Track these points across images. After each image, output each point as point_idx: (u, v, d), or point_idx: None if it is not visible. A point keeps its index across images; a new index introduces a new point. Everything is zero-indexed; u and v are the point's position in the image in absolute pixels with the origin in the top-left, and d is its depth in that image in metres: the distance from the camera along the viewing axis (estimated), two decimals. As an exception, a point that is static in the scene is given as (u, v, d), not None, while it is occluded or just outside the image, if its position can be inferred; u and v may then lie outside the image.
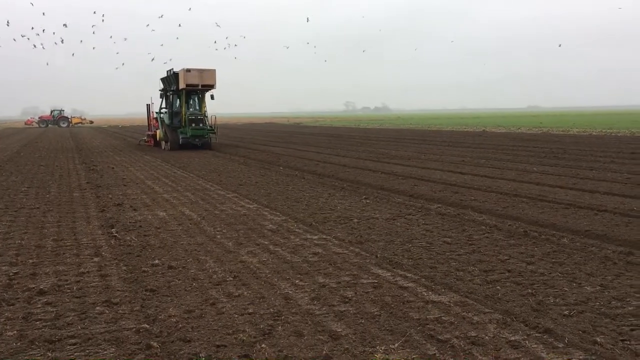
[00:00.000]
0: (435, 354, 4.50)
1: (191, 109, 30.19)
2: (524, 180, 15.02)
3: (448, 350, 4.56)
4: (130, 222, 10.13)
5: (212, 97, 30.27)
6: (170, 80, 30.16)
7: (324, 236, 8.81)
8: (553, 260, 7.23)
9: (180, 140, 29.32)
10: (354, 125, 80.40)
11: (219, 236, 8.93)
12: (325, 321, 5.23)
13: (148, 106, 34.43)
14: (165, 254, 7.85)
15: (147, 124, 35.75)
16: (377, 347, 4.63)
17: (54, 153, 28.28)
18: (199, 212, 11.04)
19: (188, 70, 28.19)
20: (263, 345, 4.68)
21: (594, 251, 7.64)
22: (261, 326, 5.12)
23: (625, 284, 6.17)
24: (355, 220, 10.09)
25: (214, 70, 29.32)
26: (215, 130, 30.66)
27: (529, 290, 6.03)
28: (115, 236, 8.95)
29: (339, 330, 5.01)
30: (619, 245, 7.95)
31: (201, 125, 29.52)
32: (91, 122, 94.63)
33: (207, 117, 30.37)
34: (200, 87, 29.15)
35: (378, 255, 7.54)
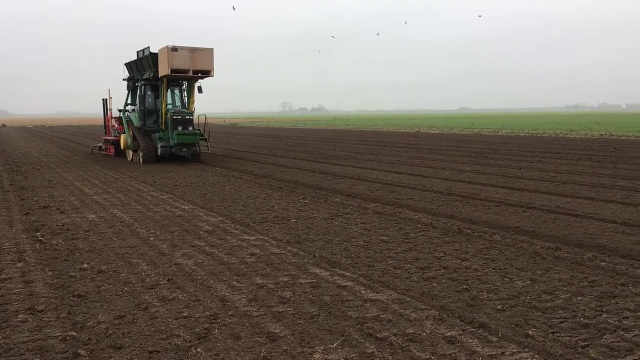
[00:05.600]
0: (374, 352, 4.48)
1: (170, 106, 22.31)
2: (457, 179, 15.40)
3: (386, 348, 4.56)
4: (57, 226, 9.66)
5: (199, 89, 22.04)
6: (143, 64, 22.04)
7: (262, 237, 8.69)
8: (486, 256, 7.41)
9: (159, 150, 21.35)
10: (291, 125, 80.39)
11: (152, 238, 8.65)
12: (263, 323, 5.13)
13: (104, 102, 26.03)
14: (95, 257, 7.52)
15: (104, 126, 27.15)
16: (316, 348, 4.57)
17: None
18: (131, 214, 10.67)
19: (174, 50, 20.06)
20: (199, 350, 4.53)
21: (524, 247, 7.88)
22: (197, 330, 4.96)
23: (553, 278, 6.39)
24: (293, 220, 10.02)
25: (211, 50, 20.99)
26: (207, 136, 22.37)
27: (464, 286, 6.14)
28: (40, 240, 8.50)
29: (277, 331, 4.92)
30: (547, 241, 8.25)
31: (190, 128, 21.46)
32: (3, 125, 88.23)
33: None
34: (191, 74, 20.78)
35: (316, 255, 7.50)
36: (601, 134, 39.90)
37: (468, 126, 61.64)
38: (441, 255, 7.48)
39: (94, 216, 10.53)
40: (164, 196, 13.05)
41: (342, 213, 10.67)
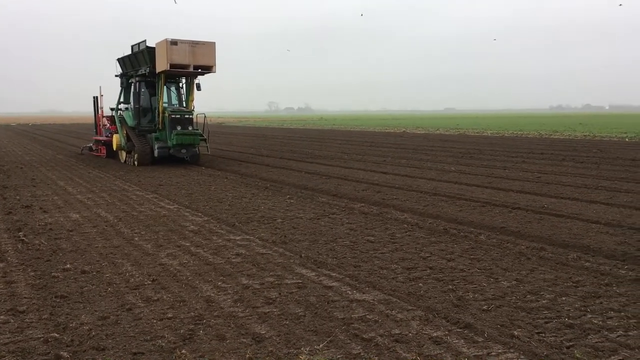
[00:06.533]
0: (360, 353, 4.47)
1: (166, 104, 20.99)
2: (442, 180, 15.45)
3: (373, 348, 4.55)
4: (39, 225, 9.53)
5: (197, 87, 20.63)
6: (139, 59, 20.79)
7: (248, 236, 8.65)
8: (472, 256, 7.43)
9: (156, 151, 20.06)
10: (277, 125, 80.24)
11: (136, 238, 8.56)
12: (249, 323, 5.09)
13: (95, 100, 24.81)
14: (78, 257, 7.43)
15: (94, 125, 25.72)
16: (302, 349, 4.55)
17: None
18: (116, 214, 10.56)
19: (174, 43, 18.75)
20: (183, 351, 4.48)
21: (509, 247, 7.92)
22: (181, 331, 4.92)
23: (539, 278, 6.42)
24: (279, 220, 9.98)
25: (213, 44, 19.65)
26: (207, 137, 20.91)
27: (450, 286, 6.15)
28: (22, 240, 8.38)
29: (263, 332, 4.89)
30: (532, 241, 8.29)
31: (190, 128, 20.13)
32: None
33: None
34: (191, 70, 19.43)
35: (302, 255, 7.47)
36: (585, 135, 40.30)
37: (454, 127, 61.95)
38: (427, 255, 7.49)
39: (77, 216, 10.41)
40: (148, 196, 12.94)
41: (328, 213, 10.65)
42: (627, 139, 34.78)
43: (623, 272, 6.64)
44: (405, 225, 9.47)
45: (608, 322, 5.08)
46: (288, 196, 12.77)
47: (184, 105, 21.20)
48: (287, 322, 5.13)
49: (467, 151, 26.26)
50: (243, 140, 38.67)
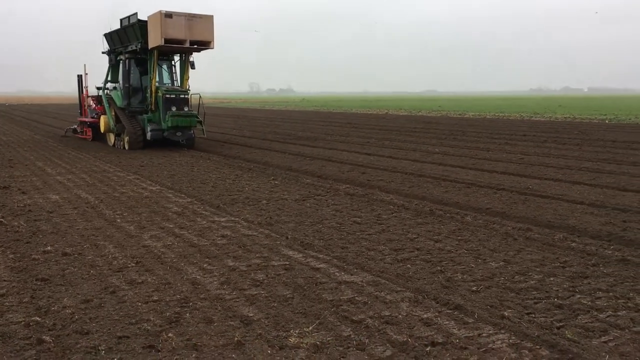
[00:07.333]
0: (350, 335, 4.40)
1: (158, 83, 19.33)
2: (427, 161, 15.42)
3: (363, 330, 4.49)
4: (18, 207, 9.30)
5: (192, 65, 19.37)
6: (128, 34, 19.17)
7: (233, 218, 8.53)
8: (459, 237, 7.40)
9: (149, 134, 18.70)
10: (259, 106, 79.66)
11: (119, 220, 8.39)
12: (236, 306, 5.00)
13: (80, 79, 23.18)
14: (59, 239, 7.25)
15: (79, 106, 24.21)
16: (291, 331, 4.47)
17: None
18: (97, 195, 10.35)
19: (169, 16, 17.09)
20: (170, 335, 4.38)
21: (496, 228, 7.91)
22: (167, 314, 4.81)
23: (526, 259, 6.41)
24: (264, 201, 9.86)
25: (211, 18, 18.12)
26: (203, 119, 19.49)
27: (438, 268, 6.11)
28: (1, 222, 8.16)
29: (251, 315, 4.80)
30: (517, 222, 8.29)
31: (186, 109, 18.66)
32: None
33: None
34: (187, 46, 17.85)
35: (289, 237, 7.38)
36: (565, 117, 40.60)
37: (435, 108, 62.03)
38: (414, 236, 7.45)
39: (57, 197, 10.18)
40: (130, 177, 12.72)
41: (313, 194, 10.56)
42: (606, 121, 35.14)
43: (609, 252, 6.66)
44: (392, 207, 9.42)
45: (597, 303, 5.08)
46: (272, 177, 12.64)
47: (178, 84, 19.76)
48: (276, 305, 5.04)
49: (450, 132, 26.28)
50: (224, 121, 38.28)
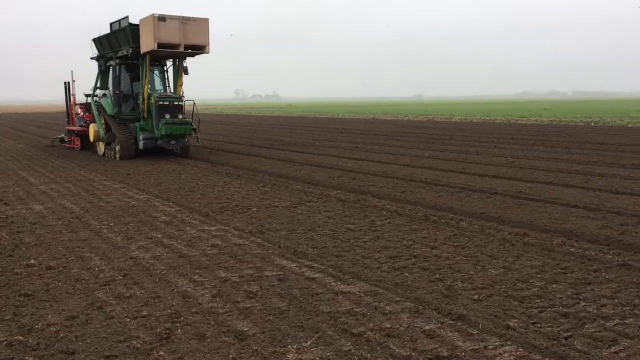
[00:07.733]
0: (350, 349, 4.20)
1: (150, 89, 18.51)
2: (417, 166, 15.29)
3: (364, 344, 4.29)
4: (0, 218, 9.00)
5: (185, 70, 18.63)
6: (119, 39, 18.38)
7: (223, 227, 8.30)
8: (455, 243, 7.24)
9: (141, 143, 17.97)
10: (245, 112, 79.35)
11: (105, 230, 8.13)
12: (230, 320, 4.77)
13: (67, 86, 22.17)
14: (43, 252, 6.98)
15: (66, 114, 23.11)
16: (289, 346, 4.26)
17: None
18: (82, 205, 10.07)
19: (162, 19, 16.43)
20: (161, 353, 4.15)
21: (492, 233, 7.76)
22: (157, 330, 4.57)
23: (526, 265, 6.26)
24: (255, 209, 9.64)
25: (206, 21, 17.51)
26: (198, 126, 18.75)
27: (437, 276, 5.93)
28: (-19, 234, 7.87)
29: (246, 329, 4.58)
30: (513, 226, 8.15)
31: (180, 116, 17.94)
32: None
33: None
34: (182, 50, 17.17)
35: (281, 245, 7.17)
36: (551, 120, 40.78)
37: (422, 112, 62.11)
38: (410, 243, 7.27)
39: (41, 207, 9.89)
40: (116, 185, 12.44)
41: (304, 201, 10.36)
42: (592, 124, 35.32)
43: (609, 257, 6.52)
44: (385, 212, 9.24)
45: (603, 310, 4.92)
46: (262, 184, 12.42)
47: (171, 91, 19.04)
48: (271, 318, 4.83)
49: (438, 137, 26.22)
50: (211, 128, 37.95)
